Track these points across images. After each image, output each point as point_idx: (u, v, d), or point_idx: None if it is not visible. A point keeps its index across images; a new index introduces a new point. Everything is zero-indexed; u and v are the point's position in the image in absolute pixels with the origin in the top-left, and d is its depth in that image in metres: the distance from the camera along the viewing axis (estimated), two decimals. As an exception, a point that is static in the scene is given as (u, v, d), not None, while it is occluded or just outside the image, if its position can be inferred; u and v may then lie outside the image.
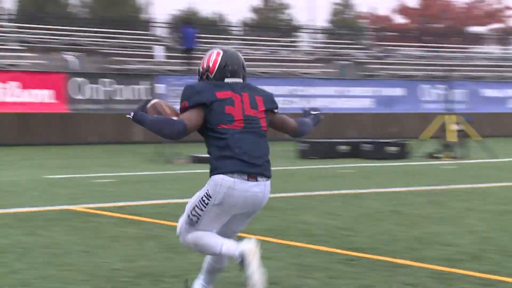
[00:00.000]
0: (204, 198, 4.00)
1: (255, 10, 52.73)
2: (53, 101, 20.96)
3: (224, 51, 4.20)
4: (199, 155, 14.62)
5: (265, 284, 3.95)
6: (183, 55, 24.75)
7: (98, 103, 22.08)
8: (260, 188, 3.98)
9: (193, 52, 24.39)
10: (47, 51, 24.58)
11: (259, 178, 3.98)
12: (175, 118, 3.95)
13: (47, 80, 20.89)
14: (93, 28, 28.37)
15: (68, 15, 39.38)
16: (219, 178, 3.93)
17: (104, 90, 22.29)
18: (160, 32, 32.44)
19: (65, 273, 5.22)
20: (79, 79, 21.89)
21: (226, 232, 4.13)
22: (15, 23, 29.35)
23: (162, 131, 3.92)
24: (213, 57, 4.17)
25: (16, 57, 23.41)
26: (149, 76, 23.58)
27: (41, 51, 24.62)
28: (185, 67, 24.76)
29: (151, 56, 25.65)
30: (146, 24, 36.03)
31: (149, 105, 4.06)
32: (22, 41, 25.37)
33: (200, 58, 4.26)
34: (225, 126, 3.98)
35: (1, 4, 39.08)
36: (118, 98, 22.51)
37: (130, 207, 8.49)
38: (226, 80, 4.13)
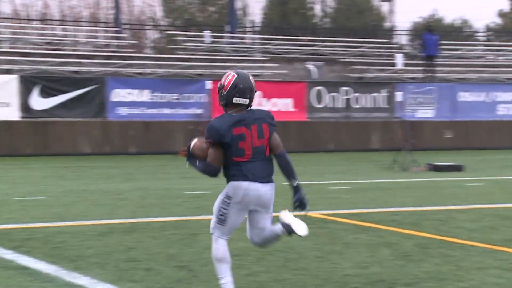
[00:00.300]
0: (225, 200, 4.99)
1: (502, 15, 50.22)
2: (292, 109, 21.46)
3: (238, 75, 5.05)
4: (436, 163, 14.43)
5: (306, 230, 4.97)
6: (425, 62, 24.24)
7: (336, 111, 22.35)
8: (267, 188, 5.00)
9: (435, 59, 23.94)
10: (289, 61, 25.37)
11: (263, 182, 5.01)
12: (208, 158, 4.99)
13: (287, 89, 21.45)
14: (335, 37, 28.74)
15: (311, 26, 40.31)
16: (237, 183, 4.96)
17: (343, 99, 22.47)
18: (401, 40, 32.07)
19: (299, 277, 5.34)
20: (319, 88, 22.29)
21: (257, 231, 5.09)
22: (260, 34, 30.66)
23: (208, 175, 5.03)
24: (228, 78, 5.05)
25: (259, 67, 24.42)
26: (389, 84, 23.36)
27: (284, 61, 25.40)
28: (425, 74, 24.20)
29: (392, 64, 25.42)
30: (388, 33, 35.77)
31: (191, 147, 5.07)
32: (266, 52, 26.41)
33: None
34: (238, 159, 4.97)
35: (249, 17, 41.12)
36: (356, 106, 22.61)
37: (364, 214, 8.56)
38: (235, 100, 5.02)
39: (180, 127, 19.55)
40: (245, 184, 4.95)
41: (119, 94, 19.20)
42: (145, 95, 19.51)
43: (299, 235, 4.99)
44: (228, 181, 5.02)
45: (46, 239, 6.94)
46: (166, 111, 19.85)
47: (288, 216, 5.04)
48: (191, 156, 5.10)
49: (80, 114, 18.52)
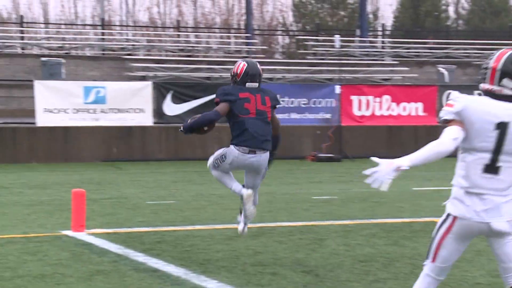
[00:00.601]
0: (222, 156, 6.29)
1: None
2: (422, 113, 20.96)
3: (248, 64, 6.35)
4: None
5: (254, 216, 6.45)
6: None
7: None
8: (256, 158, 6.17)
9: None
10: (419, 65, 24.94)
11: (257, 152, 6.19)
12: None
13: (417, 93, 20.94)
14: (468, 40, 27.91)
15: (444, 28, 39.39)
16: (231, 148, 6.19)
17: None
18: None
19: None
20: (451, 92, 21.63)
21: (249, 184, 6.44)
22: (391, 38, 30.20)
23: (205, 120, 6.06)
24: (240, 66, 6.33)
25: (389, 71, 24.06)
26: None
27: (414, 64, 24.93)
28: None
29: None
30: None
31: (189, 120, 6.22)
32: (396, 56, 26.02)
33: None
34: (244, 116, 6.17)
35: (379, 20, 40.69)
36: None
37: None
38: (247, 84, 6.28)
39: (308, 132, 19.56)
40: (237, 152, 6.20)
41: (248, 100, 19.23)
42: (274, 100, 19.48)
43: (247, 210, 6.43)
44: (230, 141, 6.22)
45: (176, 242, 7.10)
46: (295, 115, 19.81)
47: (249, 196, 6.39)
48: (187, 130, 6.18)
49: (211, 119, 18.75)
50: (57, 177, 13.93)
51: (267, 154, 6.28)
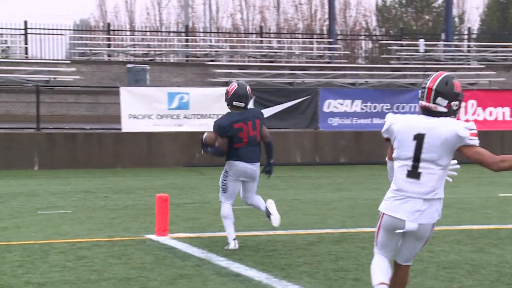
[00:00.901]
0: (224, 174, 7.39)
1: None
2: (509, 118, 20.29)
3: (238, 85, 7.43)
4: None
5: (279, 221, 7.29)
6: None
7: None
8: (253, 167, 7.36)
9: None
10: (507, 69, 24.38)
11: (251, 163, 7.36)
12: (217, 144, 7.32)
13: (504, 97, 20.29)
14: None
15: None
16: (231, 161, 7.32)
17: None
18: None
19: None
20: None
21: (247, 194, 7.48)
22: (477, 42, 29.56)
23: (217, 155, 7.39)
24: (231, 87, 7.44)
25: (475, 75, 23.52)
26: None
27: (501, 68, 24.30)
28: None
29: None
30: None
31: (204, 138, 7.41)
32: (482, 60, 25.44)
33: None
34: (237, 145, 7.34)
35: (465, 24, 39.82)
36: None
37: None
38: (234, 103, 7.39)
39: (391, 138, 19.21)
40: (236, 162, 7.32)
41: (331, 105, 19.13)
42: (356, 105, 19.29)
43: (272, 223, 7.35)
44: (226, 161, 7.35)
45: (257, 247, 7.17)
46: (377, 121, 19.46)
47: (272, 206, 7.42)
48: (205, 146, 7.37)
49: (292, 125, 18.61)
50: (141, 182, 14.03)
51: (258, 164, 7.50)
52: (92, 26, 37.14)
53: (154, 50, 24.64)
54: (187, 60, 24.68)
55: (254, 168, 7.40)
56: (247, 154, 7.38)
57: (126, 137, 17.40)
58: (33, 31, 24.31)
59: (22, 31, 24.08)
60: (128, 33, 30.49)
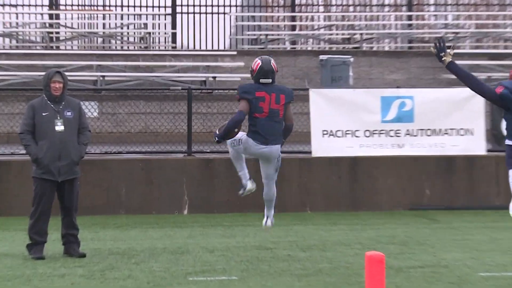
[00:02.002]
0: (239, 141, 10.42)
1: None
2: None
3: (262, 61, 10.46)
4: None
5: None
6: None
7: None
8: (267, 149, 10.33)
9: None
10: None
11: (268, 144, 10.33)
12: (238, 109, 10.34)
13: None
14: None
15: None
16: (247, 139, 10.37)
17: None
18: None
19: None
20: None
21: (263, 174, 10.73)
22: None
23: (235, 123, 10.19)
24: (256, 64, 10.45)
25: None
26: None
27: None
28: None
29: None
30: None
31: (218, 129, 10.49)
32: None
33: None
34: (257, 115, 10.28)
35: None
36: None
37: None
38: (261, 80, 10.43)
39: None
40: (252, 142, 10.28)
41: None
42: None
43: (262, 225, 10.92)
44: (247, 132, 10.30)
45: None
46: None
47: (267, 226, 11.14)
48: (220, 137, 10.29)
49: None
50: (341, 232, 14.39)
51: (278, 146, 10.40)
52: (268, 1, 37.60)
53: (361, 33, 24.52)
54: (410, 48, 24.36)
55: (271, 151, 10.34)
56: (267, 129, 10.25)
57: (317, 164, 17.52)
58: (184, 9, 25.43)
59: (169, 10, 25.24)
60: (320, 8, 30.55)
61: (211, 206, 17.09)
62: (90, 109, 18.54)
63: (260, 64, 10.36)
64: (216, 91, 21.24)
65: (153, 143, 18.02)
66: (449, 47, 9.25)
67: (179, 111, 18.83)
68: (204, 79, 22.19)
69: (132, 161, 17.12)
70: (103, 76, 22.64)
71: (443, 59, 9.09)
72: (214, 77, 22.12)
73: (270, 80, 10.34)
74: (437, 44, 9.13)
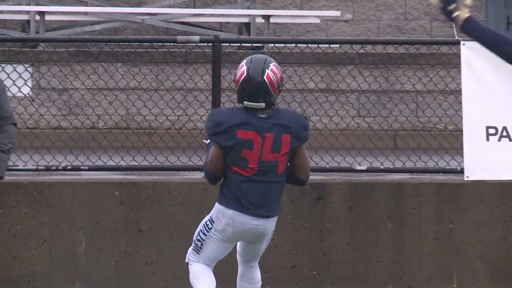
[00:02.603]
0: (208, 223, 9.11)
1: None
2: None
3: (249, 67, 8.89)
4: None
5: None
6: None
7: None
8: (260, 222, 9.00)
9: None
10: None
11: (258, 216, 9.09)
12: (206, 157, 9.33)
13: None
14: None
15: None
16: (221, 207, 9.03)
17: None
18: None
19: None
20: None
21: (246, 258, 9.47)
22: None
23: (207, 179, 9.36)
24: (240, 70, 8.99)
25: None
26: None
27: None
28: None
29: None
30: None
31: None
32: None
33: None
34: (238, 170, 8.85)
35: None
36: None
37: None
38: (245, 103, 8.87)
39: None
40: (230, 212, 8.90)
41: None
42: None
43: None
44: (217, 200, 9.16)
45: None
46: None
47: None
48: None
49: None
50: None
51: (274, 219, 9.13)
52: None
53: None
54: None
55: (263, 224, 8.93)
56: (253, 195, 8.81)
57: (475, 197, 14.43)
58: None
59: None
60: None
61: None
62: (18, 80, 15.48)
63: (244, 71, 8.77)
64: (271, 45, 19.47)
65: (143, 149, 15.10)
66: None
67: (194, 86, 16.94)
68: (246, 20, 20.88)
69: (100, 186, 13.91)
70: (42, 14, 20.70)
71: (454, 15, 7.50)
72: (267, 18, 20.32)
73: (262, 104, 8.75)
74: None
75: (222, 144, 8.74)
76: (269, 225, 9.05)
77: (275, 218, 9.17)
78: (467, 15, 7.59)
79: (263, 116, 8.76)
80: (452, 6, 7.56)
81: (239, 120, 8.79)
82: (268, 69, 8.73)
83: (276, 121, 8.78)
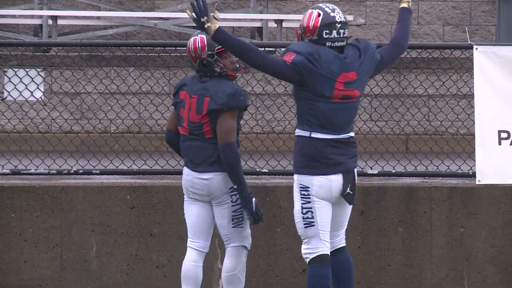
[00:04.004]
0: None
1: None
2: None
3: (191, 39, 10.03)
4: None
5: None
6: None
7: None
8: (202, 177, 9.79)
9: None
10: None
11: (194, 169, 9.87)
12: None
13: None
14: None
15: None
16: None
17: None
18: None
19: None
20: None
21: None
22: None
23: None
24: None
25: None
26: None
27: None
28: None
29: None
30: None
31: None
32: None
33: None
34: (180, 129, 9.79)
35: None
36: None
37: None
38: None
39: None
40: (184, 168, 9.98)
41: None
42: None
43: None
44: None
45: None
46: None
47: None
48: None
49: None
50: None
51: (211, 175, 9.63)
52: None
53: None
54: None
55: (205, 181, 9.63)
56: (188, 151, 9.65)
57: (486, 202, 14.32)
58: None
59: None
60: None
61: None
62: (30, 85, 15.53)
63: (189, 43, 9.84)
64: (283, 49, 17.94)
65: (155, 153, 14.81)
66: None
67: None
68: (259, 24, 21.08)
69: (111, 190, 13.79)
70: (55, 19, 20.75)
71: (206, 26, 9.16)
72: (279, 22, 20.53)
73: (196, 68, 9.77)
74: (196, 4, 9.24)
75: (173, 100, 9.86)
76: (209, 181, 9.64)
77: (215, 176, 9.66)
78: (217, 26, 9.19)
79: (202, 81, 9.65)
80: (204, 18, 9.17)
81: (185, 81, 9.79)
82: (200, 38, 9.64)
83: (206, 86, 9.56)
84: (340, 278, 9.56)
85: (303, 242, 9.46)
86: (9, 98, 15.51)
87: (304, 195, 9.35)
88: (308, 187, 9.28)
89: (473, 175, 13.99)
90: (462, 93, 16.09)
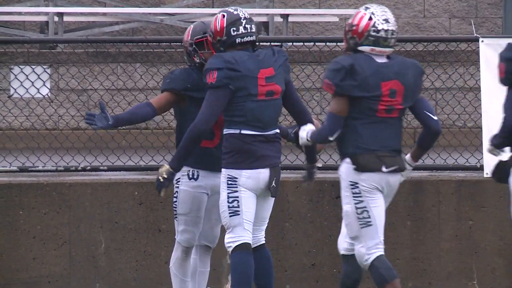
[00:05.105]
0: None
1: None
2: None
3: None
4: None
5: None
6: None
7: None
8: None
9: None
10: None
11: None
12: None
13: None
14: None
15: None
16: None
17: None
18: None
19: None
20: None
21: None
22: None
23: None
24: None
25: None
26: None
27: None
28: None
29: None
30: None
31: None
32: None
33: None
34: None
35: None
36: None
37: None
38: None
39: None
40: None
41: None
42: None
43: None
44: None
45: None
46: None
47: None
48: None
49: None
50: None
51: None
52: None
53: None
54: None
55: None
56: None
57: (493, 195, 14.47)
58: None
59: None
60: None
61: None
62: (37, 82, 15.60)
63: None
64: (289, 44, 18.46)
65: (162, 148, 14.99)
66: None
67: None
68: (265, 19, 21.05)
69: (119, 186, 13.95)
70: (60, 16, 20.87)
71: (161, 178, 10.31)
72: (285, 17, 20.31)
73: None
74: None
75: None
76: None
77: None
78: (165, 167, 10.01)
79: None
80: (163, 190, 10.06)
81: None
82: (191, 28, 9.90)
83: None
84: (260, 274, 9.82)
85: (227, 232, 9.66)
86: (15, 95, 15.68)
87: (231, 185, 9.61)
88: (236, 178, 9.55)
89: (481, 168, 14.06)
90: (468, 86, 16.09)
